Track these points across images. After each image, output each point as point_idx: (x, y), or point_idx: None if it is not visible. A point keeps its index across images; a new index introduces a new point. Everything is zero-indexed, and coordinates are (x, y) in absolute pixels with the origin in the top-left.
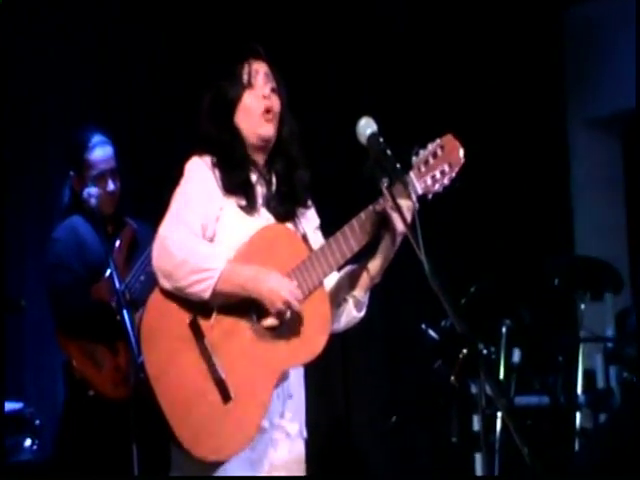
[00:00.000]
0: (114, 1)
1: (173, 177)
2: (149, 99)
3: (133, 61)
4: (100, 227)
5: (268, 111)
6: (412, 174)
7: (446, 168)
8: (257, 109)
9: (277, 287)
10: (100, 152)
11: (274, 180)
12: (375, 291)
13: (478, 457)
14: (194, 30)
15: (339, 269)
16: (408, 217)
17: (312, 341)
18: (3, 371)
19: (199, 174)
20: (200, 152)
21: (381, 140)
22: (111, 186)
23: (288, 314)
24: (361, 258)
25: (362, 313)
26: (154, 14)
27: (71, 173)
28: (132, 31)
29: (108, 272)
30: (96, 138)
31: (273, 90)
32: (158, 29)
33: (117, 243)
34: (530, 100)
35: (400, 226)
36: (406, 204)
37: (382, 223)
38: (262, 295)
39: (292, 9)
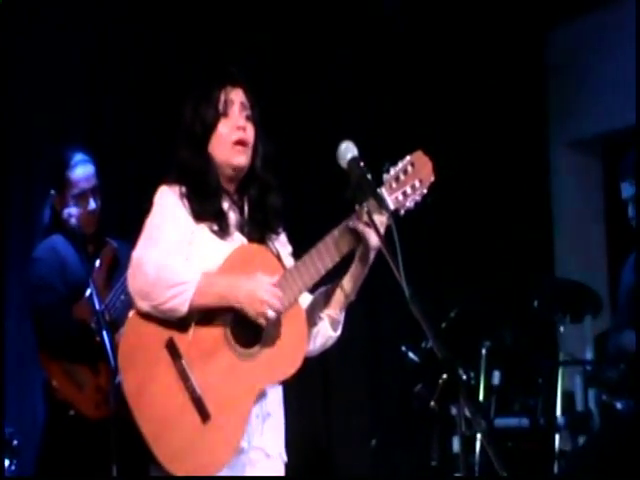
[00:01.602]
0: (114, 1)
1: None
2: (135, 116)
3: (122, 78)
4: (81, 247)
5: (242, 142)
6: (383, 190)
7: (417, 184)
8: (230, 139)
9: (253, 289)
10: (81, 171)
11: (246, 207)
12: (356, 312)
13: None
14: (185, 44)
15: (313, 289)
16: (382, 231)
17: (290, 358)
18: (2, 393)
19: (169, 201)
20: (169, 182)
21: (361, 164)
22: (92, 205)
23: (270, 314)
24: (335, 277)
25: (338, 332)
26: (154, 17)
27: (52, 192)
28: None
29: (88, 292)
30: (77, 157)
31: (248, 118)
32: (154, 40)
33: (98, 262)
34: (512, 122)
35: (374, 241)
36: (379, 219)
37: (355, 239)
38: (240, 301)
39: (290, 9)
